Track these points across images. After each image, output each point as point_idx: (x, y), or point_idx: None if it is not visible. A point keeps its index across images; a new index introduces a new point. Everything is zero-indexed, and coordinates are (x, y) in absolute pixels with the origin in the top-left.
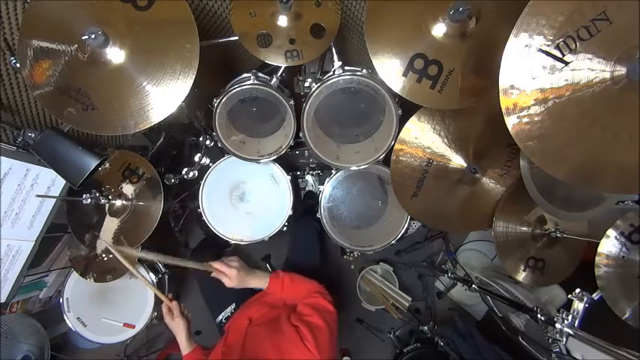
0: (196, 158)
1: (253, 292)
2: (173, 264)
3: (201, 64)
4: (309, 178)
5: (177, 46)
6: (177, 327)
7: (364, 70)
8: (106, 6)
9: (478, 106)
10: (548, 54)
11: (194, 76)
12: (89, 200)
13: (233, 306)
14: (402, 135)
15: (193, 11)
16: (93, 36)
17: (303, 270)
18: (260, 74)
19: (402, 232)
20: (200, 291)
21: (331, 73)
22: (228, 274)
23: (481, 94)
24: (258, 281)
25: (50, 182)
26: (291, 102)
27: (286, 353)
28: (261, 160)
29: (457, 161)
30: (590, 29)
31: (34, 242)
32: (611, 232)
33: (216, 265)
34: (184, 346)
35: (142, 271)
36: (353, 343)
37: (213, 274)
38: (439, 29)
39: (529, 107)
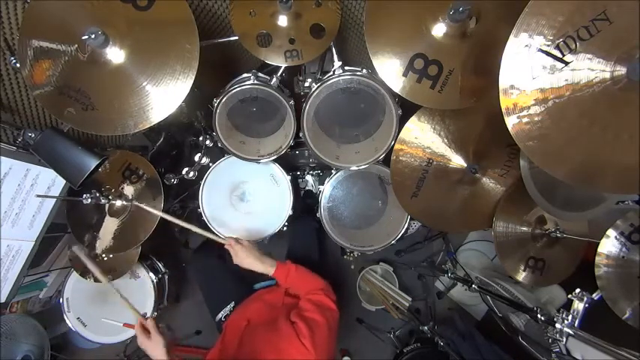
0: (196, 158)
1: (252, 290)
2: (191, 230)
3: (201, 64)
4: (309, 178)
5: (178, 46)
6: (156, 346)
7: (364, 70)
8: (106, 6)
9: (478, 106)
10: (548, 54)
11: (194, 76)
12: (89, 200)
13: (232, 304)
14: (402, 135)
15: (193, 11)
16: (93, 36)
17: None
18: (260, 74)
19: (402, 232)
20: (200, 289)
21: (331, 73)
22: (235, 249)
23: (481, 94)
24: (264, 266)
25: (50, 182)
26: (291, 102)
27: (282, 352)
28: (261, 160)
29: (457, 161)
30: (590, 29)
31: (34, 242)
32: (611, 232)
33: (229, 239)
34: None
35: (142, 271)
36: (353, 343)
37: (226, 246)
38: (439, 29)
39: (529, 107)
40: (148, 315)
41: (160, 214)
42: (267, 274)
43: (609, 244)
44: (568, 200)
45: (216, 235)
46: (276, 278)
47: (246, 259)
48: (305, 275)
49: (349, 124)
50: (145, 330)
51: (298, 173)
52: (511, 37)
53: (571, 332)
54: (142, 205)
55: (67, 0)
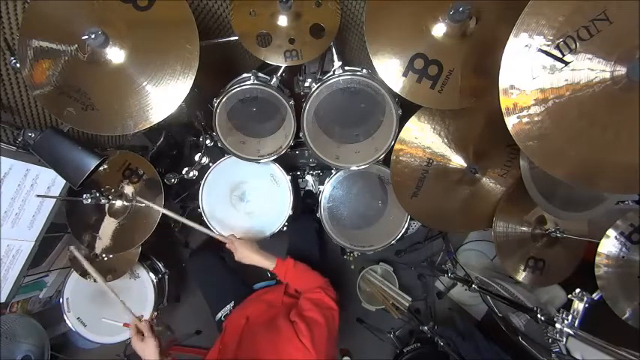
0: (196, 158)
1: (252, 290)
2: (192, 227)
3: (201, 64)
4: (309, 178)
5: (178, 46)
6: (148, 349)
7: (364, 70)
8: (106, 6)
9: (478, 106)
10: (548, 54)
11: (194, 77)
12: (89, 200)
13: (232, 304)
14: (402, 135)
15: (193, 11)
16: (93, 36)
17: None
18: (260, 74)
19: (402, 232)
20: (200, 289)
21: (331, 73)
22: (236, 244)
23: (481, 94)
24: (265, 260)
25: (50, 182)
26: (291, 102)
27: (282, 352)
28: (261, 160)
29: (457, 161)
30: (590, 29)
31: (34, 242)
32: (611, 232)
33: (230, 236)
34: None
35: (142, 271)
36: (353, 343)
37: (227, 245)
38: (439, 29)
39: (529, 107)
40: (146, 316)
41: (162, 209)
42: (268, 270)
43: (609, 244)
44: (568, 200)
45: (217, 233)
46: (276, 274)
47: (248, 255)
48: (304, 272)
49: (349, 124)
50: (139, 332)
51: (298, 173)
52: (511, 37)
53: (571, 332)
54: (143, 201)
55: (67, 0)
